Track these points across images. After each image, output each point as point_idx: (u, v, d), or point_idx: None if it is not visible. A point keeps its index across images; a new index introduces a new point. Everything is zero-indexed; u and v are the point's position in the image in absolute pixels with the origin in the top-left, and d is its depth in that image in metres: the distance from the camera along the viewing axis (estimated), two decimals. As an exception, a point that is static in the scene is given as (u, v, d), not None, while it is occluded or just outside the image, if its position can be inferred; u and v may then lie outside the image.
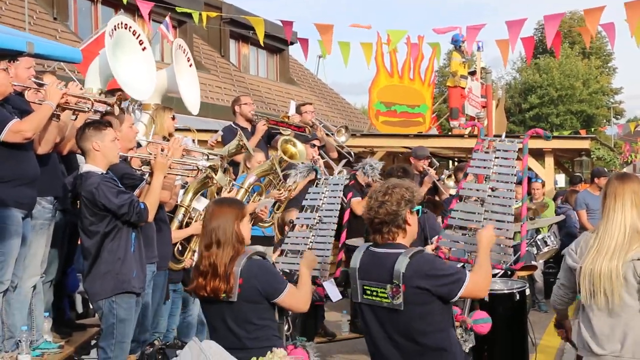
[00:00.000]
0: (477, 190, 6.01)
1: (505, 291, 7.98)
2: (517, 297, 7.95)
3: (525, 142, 6.04)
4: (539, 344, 10.04)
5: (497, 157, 5.96)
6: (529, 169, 19.46)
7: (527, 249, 9.56)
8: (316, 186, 6.78)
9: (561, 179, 25.94)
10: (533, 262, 10.06)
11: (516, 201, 14.16)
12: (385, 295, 4.63)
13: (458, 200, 6.02)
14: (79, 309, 9.25)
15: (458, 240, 5.81)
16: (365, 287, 4.77)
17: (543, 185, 15.22)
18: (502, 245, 5.65)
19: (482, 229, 5.27)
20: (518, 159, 5.96)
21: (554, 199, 15.59)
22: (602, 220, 5.25)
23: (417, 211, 4.91)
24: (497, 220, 5.67)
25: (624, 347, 5.07)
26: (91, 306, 8.36)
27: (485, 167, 6.00)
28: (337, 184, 6.64)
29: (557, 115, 58.27)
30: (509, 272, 8.81)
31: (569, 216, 13.84)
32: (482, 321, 6.47)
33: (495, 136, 6.50)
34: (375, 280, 4.70)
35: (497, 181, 5.89)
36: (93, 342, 7.55)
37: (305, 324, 8.95)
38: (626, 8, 13.60)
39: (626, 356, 5.06)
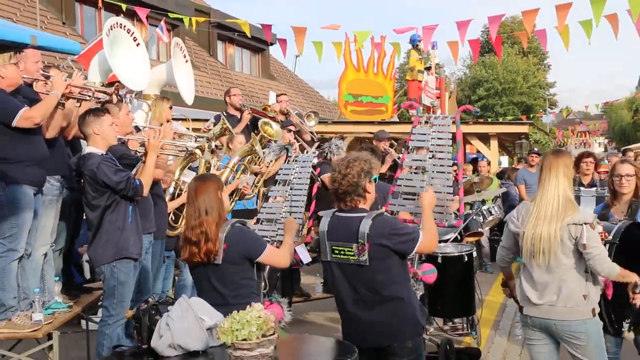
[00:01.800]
0: (419, 160, 6.04)
1: (456, 254, 8.02)
2: (466, 259, 8.00)
3: (457, 117, 6.28)
4: (485, 300, 10.11)
5: (434, 131, 6.05)
6: (477, 151, 19.67)
7: (474, 217, 9.60)
8: (287, 163, 6.84)
9: (504, 160, 26.06)
10: (480, 229, 10.11)
11: (466, 177, 14.35)
12: (352, 253, 4.70)
13: (401, 171, 6.09)
14: (87, 275, 9.20)
15: (404, 204, 5.83)
16: (333, 247, 4.81)
17: (489, 164, 15.41)
18: (444, 206, 5.73)
19: (424, 193, 5.36)
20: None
21: (498, 176, 15.68)
22: (538, 190, 5.31)
23: (375, 179, 5.03)
24: (438, 185, 5.79)
25: (559, 298, 5.14)
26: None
27: (424, 140, 6.07)
28: (306, 161, 6.72)
29: (501, 106, 58.89)
30: (459, 238, 8.87)
31: (510, 191, 13.95)
32: (429, 272, 6.98)
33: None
34: (342, 241, 4.75)
35: (436, 151, 5.98)
36: (99, 303, 7.51)
37: (283, 286, 8.93)
38: (556, 9, 13.71)
39: (559, 305, 5.14)
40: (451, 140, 6.07)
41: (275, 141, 8.49)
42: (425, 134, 6.08)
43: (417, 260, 7.14)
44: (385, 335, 4.63)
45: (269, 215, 6.48)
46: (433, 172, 5.89)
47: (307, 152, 6.98)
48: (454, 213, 9.48)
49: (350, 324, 4.87)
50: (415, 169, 6.00)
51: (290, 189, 6.54)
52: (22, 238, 6.38)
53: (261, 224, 6.44)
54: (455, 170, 15.65)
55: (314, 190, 6.69)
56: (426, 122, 6.20)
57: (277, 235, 6.14)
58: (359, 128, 17.42)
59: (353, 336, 4.73)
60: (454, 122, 6.11)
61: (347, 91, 17.00)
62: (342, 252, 4.76)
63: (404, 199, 5.78)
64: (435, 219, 5.34)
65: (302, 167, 6.67)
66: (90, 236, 6.30)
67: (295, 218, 5.98)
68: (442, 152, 5.97)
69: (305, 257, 5.97)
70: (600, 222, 5.56)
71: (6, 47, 4.12)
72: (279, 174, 6.74)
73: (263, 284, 5.45)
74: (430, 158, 5.93)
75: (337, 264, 4.83)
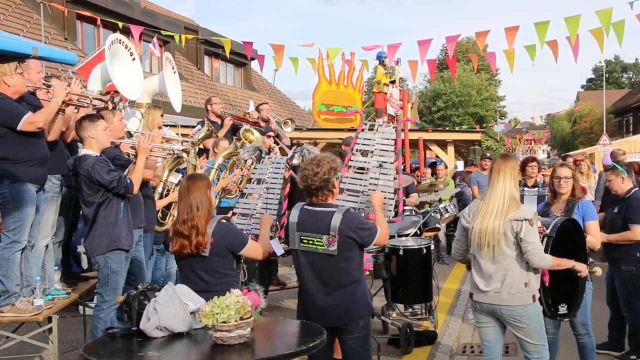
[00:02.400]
0: (363, 161, 6.12)
1: (415, 247, 8.01)
2: (424, 251, 8.01)
3: (399, 128, 6.54)
4: (442, 287, 10.15)
5: (379, 137, 6.17)
6: (436, 156, 19.76)
7: (432, 214, 9.62)
8: (261, 163, 6.86)
9: (460, 164, 26.23)
10: (437, 225, 10.14)
11: (424, 179, 14.37)
12: (322, 244, 4.72)
13: (347, 170, 6.14)
14: (84, 265, 9.13)
15: (349, 200, 5.88)
16: (302, 237, 4.83)
17: (446, 167, 15.54)
18: (385, 204, 5.78)
19: (374, 194, 5.42)
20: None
21: (454, 178, 15.77)
22: (488, 189, 5.36)
23: (339, 177, 5.12)
24: (382, 185, 5.88)
25: (503, 286, 5.19)
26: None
27: (369, 145, 6.15)
28: (279, 162, 6.74)
29: (458, 116, 59.45)
30: (419, 232, 8.89)
31: (464, 191, 14.03)
32: (366, 260, 6.92)
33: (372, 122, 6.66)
34: (312, 232, 4.77)
35: (380, 155, 6.06)
36: (94, 290, 7.47)
37: (262, 275, 8.89)
38: (505, 31, 13.82)
39: (504, 292, 5.19)
40: (394, 147, 6.18)
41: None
42: (370, 139, 6.17)
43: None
44: (343, 316, 4.66)
45: (244, 210, 6.51)
46: (377, 173, 6.00)
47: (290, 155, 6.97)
48: (413, 210, 9.58)
49: (310, 305, 4.88)
50: (359, 169, 6.04)
51: (266, 189, 6.55)
52: (25, 231, 6.36)
53: (237, 217, 6.46)
54: (416, 173, 15.82)
55: (286, 189, 6.67)
56: (370, 129, 6.28)
57: (252, 228, 6.14)
58: (330, 134, 17.54)
59: (312, 317, 4.74)
60: (396, 130, 6.22)
61: (320, 101, 16.99)
62: (310, 242, 4.78)
63: (348, 195, 5.80)
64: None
65: (275, 167, 6.68)
66: (86, 230, 6.28)
67: (269, 214, 5.99)
68: (385, 156, 6.04)
69: (279, 249, 5.97)
70: (540, 218, 5.64)
71: (10, 57, 4.09)
72: (254, 173, 6.78)
73: (242, 273, 5.49)
74: (374, 162, 6.04)
75: (303, 252, 4.85)
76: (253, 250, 5.04)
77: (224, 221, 5.01)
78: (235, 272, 5.08)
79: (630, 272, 6.82)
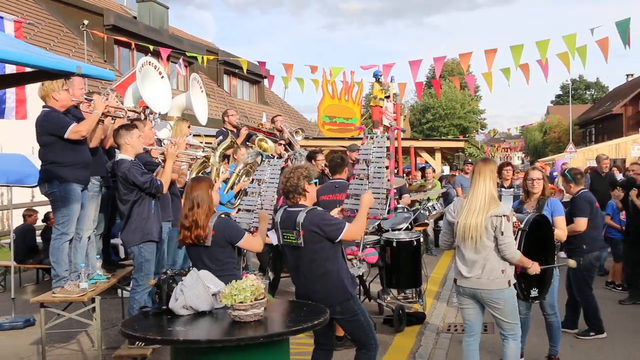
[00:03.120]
0: (363, 169, 6.08)
1: (407, 239, 8.02)
2: (415, 243, 8.02)
3: (391, 136, 6.37)
4: (430, 275, 10.14)
5: (374, 146, 6.12)
6: (425, 162, 19.78)
7: (421, 212, 9.63)
8: (260, 165, 6.92)
9: (446, 168, 26.21)
10: (426, 221, 10.14)
11: (415, 181, 14.33)
12: (293, 237, 4.73)
13: (353, 179, 6.12)
14: (122, 254, 9.15)
15: (355, 204, 5.80)
16: (283, 234, 4.84)
17: (434, 171, 15.57)
18: (379, 203, 5.77)
19: (364, 194, 5.34)
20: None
21: (440, 180, 15.76)
22: (470, 189, 5.34)
23: (315, 183, 5.06)
24: (375, 187, 5.82)
25: (483, 272, 5.18)
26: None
27: (368, 154, 6.11)
28: (276, 165, 6.72)
29: (444, 127, 59.34)
30: (410, 227, 8.90)
31: (450, 192, 14.03)
32: (371, 254, 7.21)
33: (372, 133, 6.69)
34: (288, 229, 4.78)
35: (374, 162, 6.01)
36: (130, 275, 7.50)
37: (274, 264, 8.89)
38: (485, 53, 13.87)
39: (484, 278, 5.19)
40: (386, 153, 6.17)
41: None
42: (368, 149, 6.15)
43: (362, 244, 7.17)
44: (321, 301, 4.59)
45: (247, 206, 6.52)
46: (372, 177, 5.97)
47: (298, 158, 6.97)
48: (405, 207, 9.57)
49: (299, 289, 4.90)
50: (360, 177, 6.07)
51: (266, 188, 6.54)
52: (72, 224, 6.44)
53: (240, 212, 6.50)
54: (408, 176, 15.82)
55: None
56: (371, 139, 6.30)
57: (252, 222, 6.10)
58: (333, 142, 17.62)
59: (303, 298, 4.76)
60: (388, 139, 6.23)
61: (324, 114, 17.02)
62: (288, 237, 4.79)
63: (355, 199, 5.82)
64: (370, 214, 5.42)
65: (273, 169, 6.68)
66: (122, 224, 6.30)
67: (266, 209, 6.04)
68: (378, 162, 6.03)
69: (275, 240, 6.02)
70: (515, 214, 5.63)
71: (59, 75, 4.13)
72: (255, 174, 6.79)
73: (242, 261, 5.45)
74: (372, 168, 6.00)
75: (285, 246, 4.87)
76: (249, 242, 5.00)
77: (224, 216, 4.99)
78: (236, 260, 5.06)
79: (578, 262, 6.82)
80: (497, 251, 5.17)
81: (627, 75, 67.43)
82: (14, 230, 10.69)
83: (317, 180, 5.15)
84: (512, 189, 8.33)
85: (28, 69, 4.42)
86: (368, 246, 7.64)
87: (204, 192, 4.84)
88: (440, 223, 9.95)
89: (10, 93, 8.73)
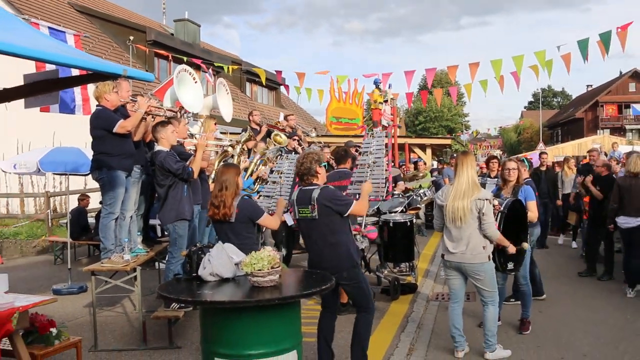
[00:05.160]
0: (364, 160, 6.14)
1: (402, 220, 7.96)
2: (408, 224, 7.96)
3: (389, 131, 6.41)
4: (421, 252, 10.07)
5: (375, 141, 6.21)
6: (418, 156, 19.66)
7: (414, 197, 9.55)
8: (279, 159, 7.10)
9: (435, 162, 26.09)
10: (418, 205, 10.06)
11: (408, 172, 14.20)
12: (309, 211, 4.69)
13: (356, 168, 6.23)
14: (159, 233, 9.14)
15: (358, 189, 5.82)
16: (299, 209, 4.79)
17: (425, 164, 15.46)
18: (378, 188, 5.87)
19: (364, 183, 5.39)
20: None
21: (431, 172, 15.67)
22: (455, 178, 5.33)
23: (325, 165, 5.17)
24: (375, 174, 5.92)
25: (467, 248, 5.18)
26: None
27: (368, 147, 6.17)
28: (294, 160, 6.73)
29: (434, 128, 58.98)
30: (405, 210, 8.82)
31: (438, 182, 13.94)
32: (371, 231, 7.36)
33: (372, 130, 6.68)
34: (303, 204, 4.74)
35: (374, 154, 6.08)
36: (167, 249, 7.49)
37: (288, 242, 8.84)
38: (469, 66, 13.83)
39: (467, 253, 5.18)
40: (384, 146, 6.25)
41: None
42: (369, 143, 6.20)
43: (364, 223, 7.13)
44: (330, 267, 4.55)
45: (267, 192, 6.56)
46: (372, 167, 6.03)
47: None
48: (400, 194, 9.49)
49: (312, 257, 4.84)
50: (362, 166, 6.08)
51: (285, 177, 6.58)
52: (118, 205, 6.49)
53: (261, 198, 6.53)
54: (403, 168, 15.73)
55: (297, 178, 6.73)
56: (371, 136, 6.28)
57: (271, 206, 6.12)
58: (339, 139, 17.41)
59: (315, 266, 4.71)
60: (386, 136, 6.25)
61: (331, 115, 17.01)
62: (303, 212, 4.74)
63: (357, 185, 5.78)
64: (371, 196, 5.45)
65: (290, 162, 6.70)
66: (159, 206, 6.29)
67: (283, 197, 6.05)
68: (378, 153, 6.08)
69: (290, 221, 6.00)
70: (495, 198, 5.59)
71: (108, 76, 4.12)
72: (275, 167, 6.81)
73: (261, 238, 5.50)
74: (371, 159, 6.08)
75: (301, 219, 4.81)
76: (267, 221, 4.97)
77: (247, 197, 4.98)
78: (256, 236, 5.04)
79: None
80: (479, 230, 5.14)
81: (587, 85, 69.66)
82: (70, 211, 10.72)
83: (325, 164, 5.13)
84: (496, 179, 8.23)
85: (86, 72, 4.41)
86: (369, 225, 7.61)
87: (232, 177, 4.80)
88: (431, 208, 9.93)
89: (77, 93, 8.82)
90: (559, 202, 12.00)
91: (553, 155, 29.44)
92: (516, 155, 34.33)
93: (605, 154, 16.03)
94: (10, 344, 3.60)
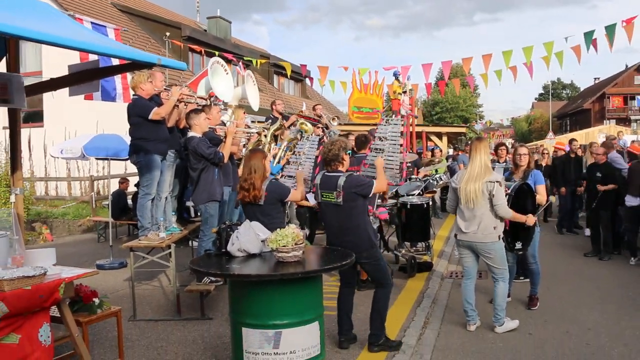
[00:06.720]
0: (380, 144, 6.07)
1: (419, 202, 7.90)
2: (425, 206, 7.91)
3: (405, 120, 6.32)
4: (437, 234, 10.02)
5: (390, 128, 6.11)
6: (434, 144, 19.44)
7: (431, 181, 9.49)
8: (300, 140, 7.06)
9: (451, 150, 25.82)
10: (434, 189, 9.98)
11: (426, 158, 14.07)
12: (333, 197, 4.65)
13: (370, 151, 6.16)
14: (192, 214, 9.19)
15: (372, 172, 5.71)
16: (322, 193, 4.75)
17: (441, 151, 15.29)
18: (393, 173, 5.79)
19: (376, 160, 5.33)
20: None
21: (446, 159, 15.51)
22: (469, 161, 5.27)
23: (349, 153, 5.06)
24: (388, 159, 5.85)
25: (479, 228, 5.12)
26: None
27: (383, 132, 6.10)
28: (314, 141, 6.75)
29: (450, 118, 58.12)
30: (421, 193, 8.75)
31: (453, 168, 13.79)
32: (382, 212, 7.27)
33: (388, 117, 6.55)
34: (328, 189, 4.70)
35: (390, 139, 6.02)
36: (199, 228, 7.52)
37: (311, 223, 8.83)
38: (483, 58, 13.65)
39: (479, 233, 5.13)
40: (400, 133, 6.18)
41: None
42: (385, 128, 6.13)
43: (375, 204, 7.10)
44: (350, 247, 4.49)
45: (289, 172, 6.55)
46: (387, 151, 5.97)
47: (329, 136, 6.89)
48: (418, 178, 9.41)
49: (332, 239, 4.78)
50: (377, 149, 6.03)
51: (306, 158, 6.53)
52: (154, 187, 6.50)
53: (285, 177, 6.50)
54: (421, 155, 15.58)
55: (319, 159, 6.66)
56: (387, 122, 6.21)
57: (293, 186, 6.04)
58: (361, 128, 17.34)
59: (335, 246, 4.67)
60: (403, 124, 6.16)
61: (353, 105, 16.93)
62: (327, 196, 4.70)
63: (371, 167, 5.72)
64: (388, 180, 5.39)
65: (311, 144, 6.66)
66: (192, 188, 6.30)
67: (306, 177, 5.96)
68: (393, 139, 6.00)
69: (312, 201, 5.97)
70: (506, 182, 5.51)
71: (144, 65, 4.11)
72: (296, 148, 6.75)
73: (286, 216, 5.45)
74: (387, 144, 6.02)
75: (324, 203, 4.76)
76: (294, 196, 4.97)
77: (274, 180, 4.96)
78: (282, 216, 5.01)
79: None
80: (490, 211, 5.07)
81: (595, 78, 68.65)
82: (111, 194, 10.85)
83: (350, 151, 5.07)
84: (504, 164, 8.14)
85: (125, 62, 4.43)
86: (380, 207, 7.56)
87: (259, 161, 4.77)
88: (446, 192, 9.83)
89: (118, 82, 8.87)
90: (580, 189, 10.90)
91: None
92: (530, 144, 33.77)
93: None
94: (59, 311, 3.67)
